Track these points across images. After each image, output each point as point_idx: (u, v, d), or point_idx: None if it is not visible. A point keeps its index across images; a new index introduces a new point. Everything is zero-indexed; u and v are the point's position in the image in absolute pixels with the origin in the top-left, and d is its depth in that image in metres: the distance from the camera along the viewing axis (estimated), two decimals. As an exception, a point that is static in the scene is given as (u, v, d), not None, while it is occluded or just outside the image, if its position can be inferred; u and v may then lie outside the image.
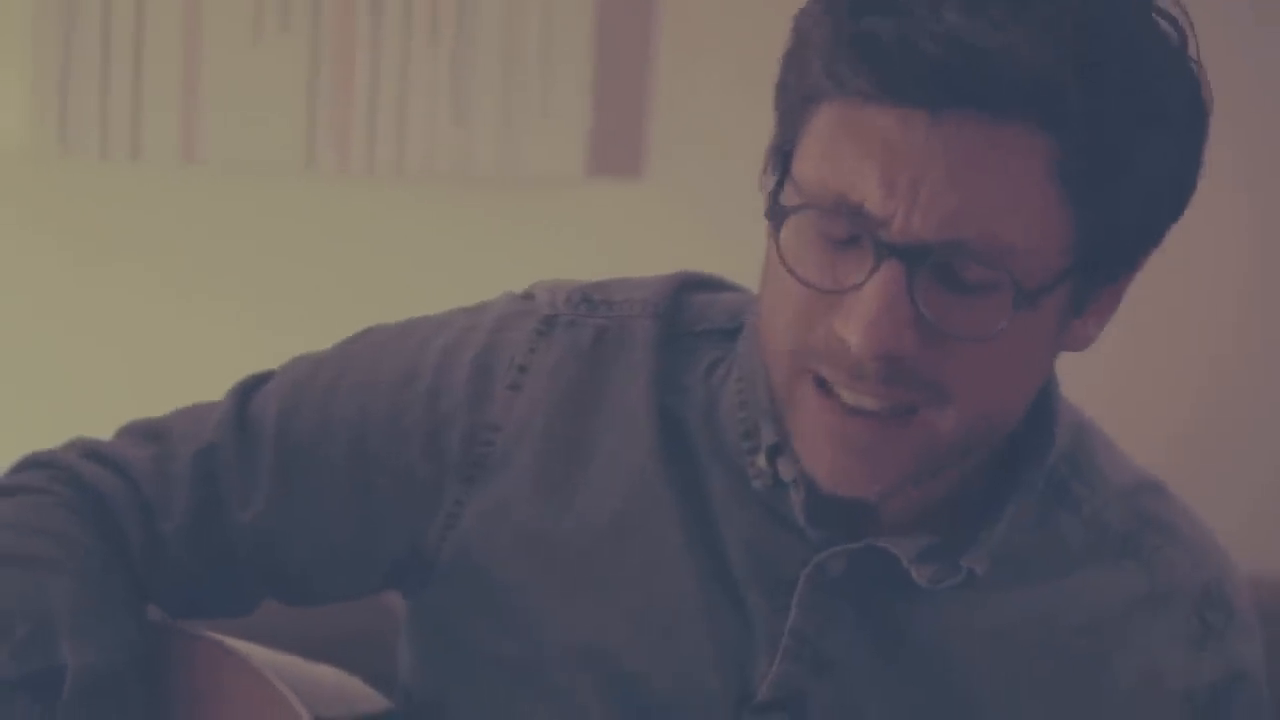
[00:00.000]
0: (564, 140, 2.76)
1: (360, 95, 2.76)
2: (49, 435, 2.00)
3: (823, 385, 1.73)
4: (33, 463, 1.94)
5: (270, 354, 2.01)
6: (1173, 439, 2.74)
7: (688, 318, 1.88)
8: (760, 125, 1.79)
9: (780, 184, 1.72)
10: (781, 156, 1.72)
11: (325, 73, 2.74)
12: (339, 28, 2.73)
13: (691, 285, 1.90)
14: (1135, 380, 2.52)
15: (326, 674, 1.99)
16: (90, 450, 1.93)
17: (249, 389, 1.92)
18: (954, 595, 1.82)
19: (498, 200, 2.76)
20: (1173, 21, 1.72)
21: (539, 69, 2.76)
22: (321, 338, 2.00)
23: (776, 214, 1.70)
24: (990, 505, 1.82)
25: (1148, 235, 1.75)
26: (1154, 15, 1.70)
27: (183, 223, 2.75)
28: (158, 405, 1.99)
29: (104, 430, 2.00)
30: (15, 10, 2.74)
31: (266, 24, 2.72)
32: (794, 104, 1.72)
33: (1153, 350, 2.63)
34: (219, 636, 1.91)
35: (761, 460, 1.80)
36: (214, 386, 1.99)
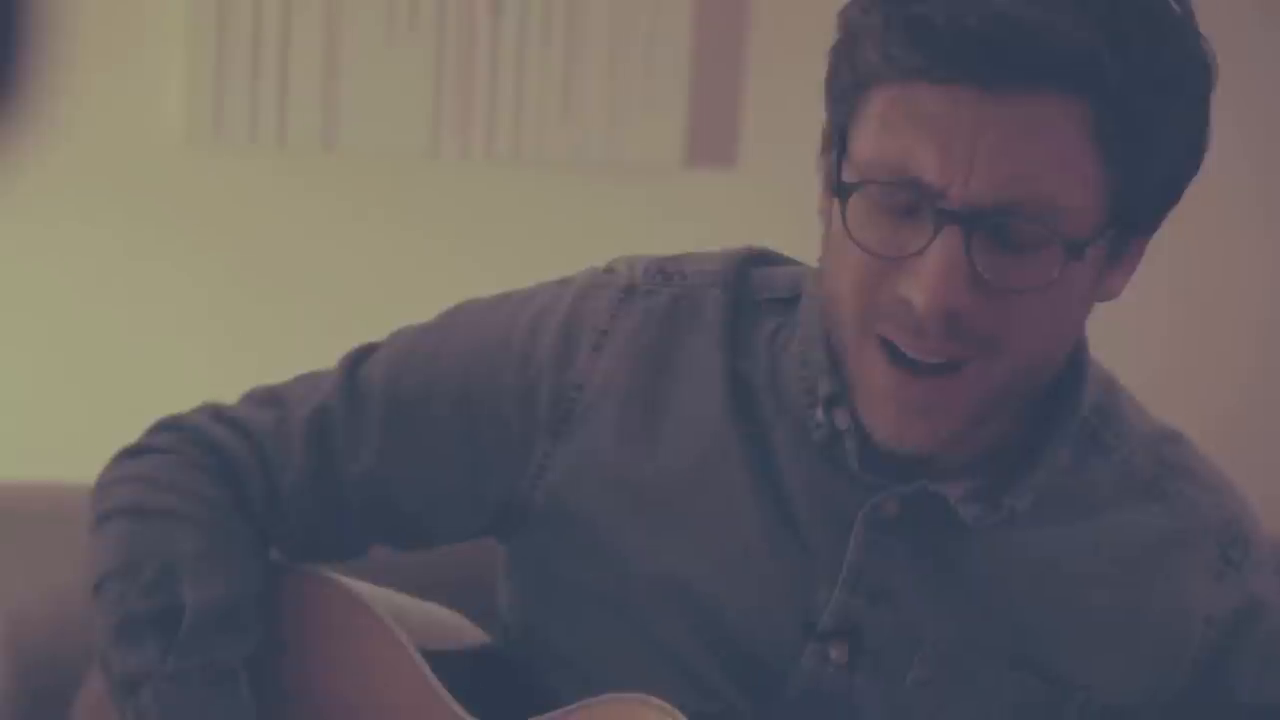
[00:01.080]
0: (663, 131, 2.75)
1: (481, 89, 2.75)
2: (206, 399, 2.05)
3: (887, 346, 1.76)
4: (164, 425, 2.00)
5: (397, 324, 2.05)
6: (1222, 416, 2.72)
7: (753, 287, 1.91)
8: (846, 118, 1.82)
9: (838, 163, 1.74)
10: (838, 138, 1.75)
11: (449, 69, 2.73)
12: (462, 28, 2.73)
13: (755, 259, 1.93)
14: (1186, 360, 2.52)
15: (431, 610, 2.02)
16: (217, 413, 1.99)
17: (358, 357, 1.97)
18: (998, 532, 1.85)
19: (602, 187, 2.75)
20: None
21: (642, 65, 2.75)
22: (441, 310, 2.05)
23: (841, 191, 1.73)
24: (1029, 451, 1.84)
25: (1172, 190, 1.77)
26: None
27: (322, 205, 2.77)
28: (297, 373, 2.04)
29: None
30: (172, 9, 2.75)
31: (397, 24, 2.72)
32: (846, 89, 1.74)
33: (1202, 331, 2.60)
34: (332, 574, 1.97)
35: (820, 413, 1.83)
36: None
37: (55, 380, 2.63)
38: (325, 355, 2.04)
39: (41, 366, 2.73)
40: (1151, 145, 1.76)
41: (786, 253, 1.95)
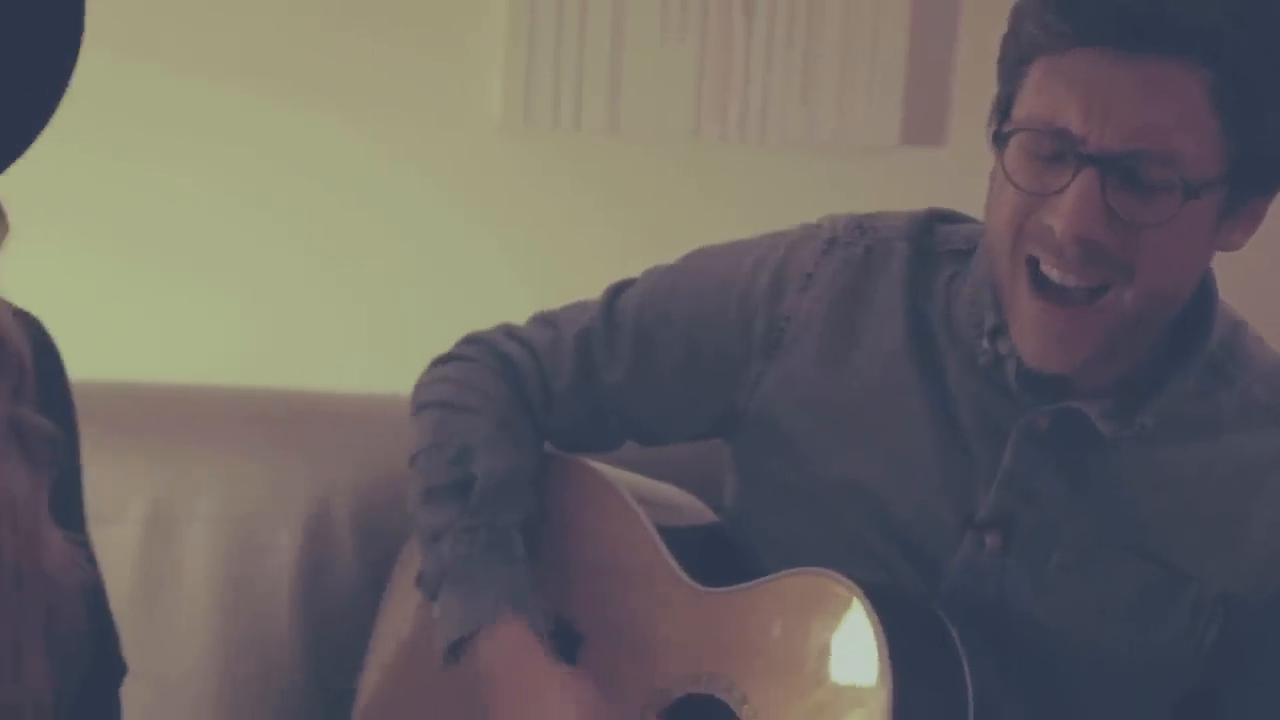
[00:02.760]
0: (882, 116, 2.73)
1: (735, 80, 2.75)
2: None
3: (1034, 269, 1.83)
4: (470, 339, 2.16)
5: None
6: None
7: (935, 240, 2.00)
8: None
9: (1001, 124, 1.84)
10: (1003, 107, 1.84)
11: (710, 63, 2.75)
12: (720, 29, 2.74)
13: (938, 217, 2.02)
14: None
15: (668, 491, 2.13)
16: (509, 331, 2.14)
17: (617, 289, 2.10)
18: (1131, 446, 1.91)
19: (829, 164, 2.73)
20: None
21: (865, 60, 2.73)
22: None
23: (1000, 139, 1.83)
24: (1160, 377, 1.90)
25: None
26: None
27: (610, 180, 2.80)
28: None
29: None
30: (494, 12, 2.75)
31: (670, 26, 2.75)
32: (1012, 65, 1.83)
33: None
34: (589, 461, 2.10)
35: (985, 342, 1.90)
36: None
37: (395, 319, 2.71)
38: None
39: (384, 307, 2.78)
40: (1267, 113, 1.80)
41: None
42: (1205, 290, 1.93)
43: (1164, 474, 1.92)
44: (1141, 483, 1.92)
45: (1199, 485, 1.92)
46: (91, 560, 1.82)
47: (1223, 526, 1.92)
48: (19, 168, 1.74)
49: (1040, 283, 1.83)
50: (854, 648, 1.86)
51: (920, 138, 2.75)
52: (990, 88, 1.91)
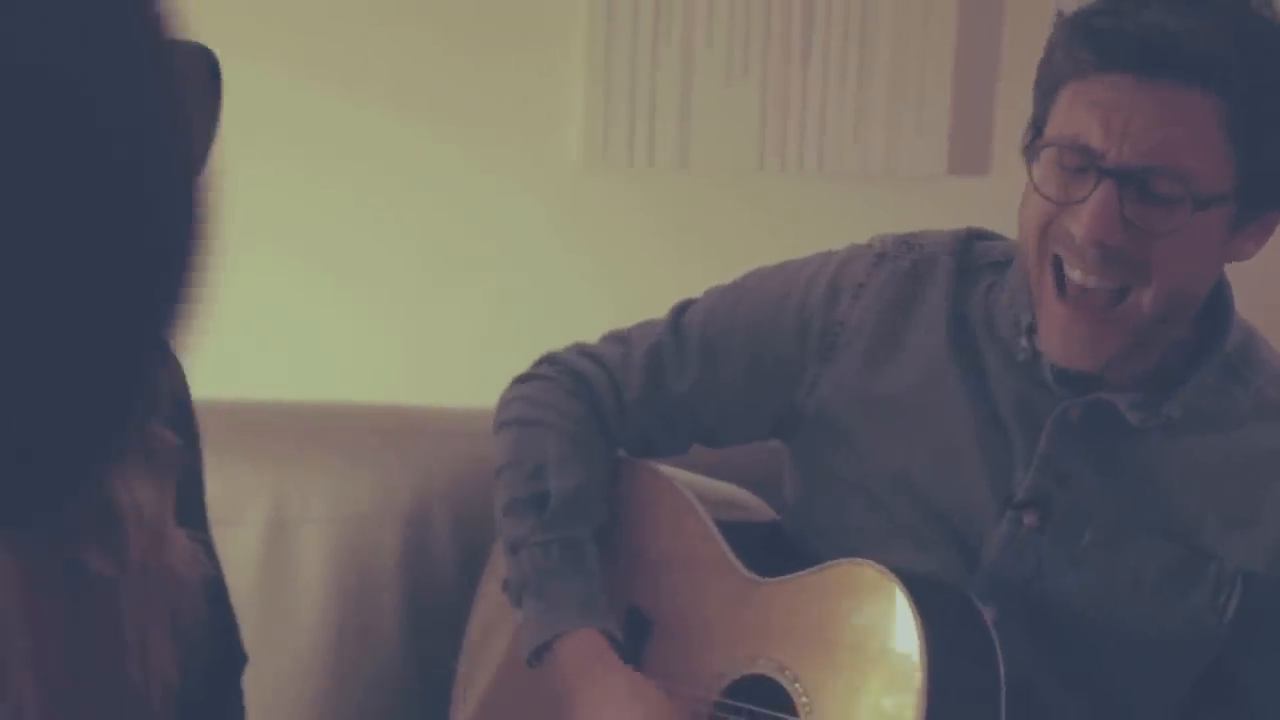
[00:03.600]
0: (930, 147, 2.75)
1: (794, 116, 2.77)
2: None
3: (1059, 271, 1.86)
4: (546, 359, 2.19)
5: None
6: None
7: (975, 255, 2.05)
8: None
9: (1034, 140, 1.89)
10: (1037, 125, 1.89)
11: (771, 101, 2.77)
12: (780, 71, 2.77)
13: (977, 235, 2.08)
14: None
15: (731, 490, 2.16)
16: (582, 349, 2.18)
17: (682, 307, 2.14)
18: (1156, 436, 1.95)
19: (881, 192, 2.77)
20: None
21: (913, 96, 2.75)
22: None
23: (1031, 153, 1.88)
24: (1182, 373, 1.95)
25: None
26: None
27: (681, 210, 2.82)
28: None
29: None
30: (574, 56, 2.78)
31: (734, 66, 2.77)
32: (1046, 91, 1.89)
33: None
34: (654, 464, 2.14)
35: (1024, 340, 1.95)
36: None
37: (485, 338, 2.72)
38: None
39: (476, 328, 2.80)
40: (1273, 136, 1.84)
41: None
42: (1222, 296, 1.96)
43: (1187, 461, 1.95)
44: (1166, 469, 1.95)
45: (1219, 472, 1.96)
46: (213, 557, 1.86)
47: (1240, 510, 1.96)
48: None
49: (1065, 285, 1.87)
50: (893, 631, 1.89)
51: (966, 168, 2.76)
52: (1036, 116, 1.92)
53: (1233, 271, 2.00)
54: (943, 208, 2.42)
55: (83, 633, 1.75)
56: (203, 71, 1.73)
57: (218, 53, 1.73)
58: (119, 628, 1.75)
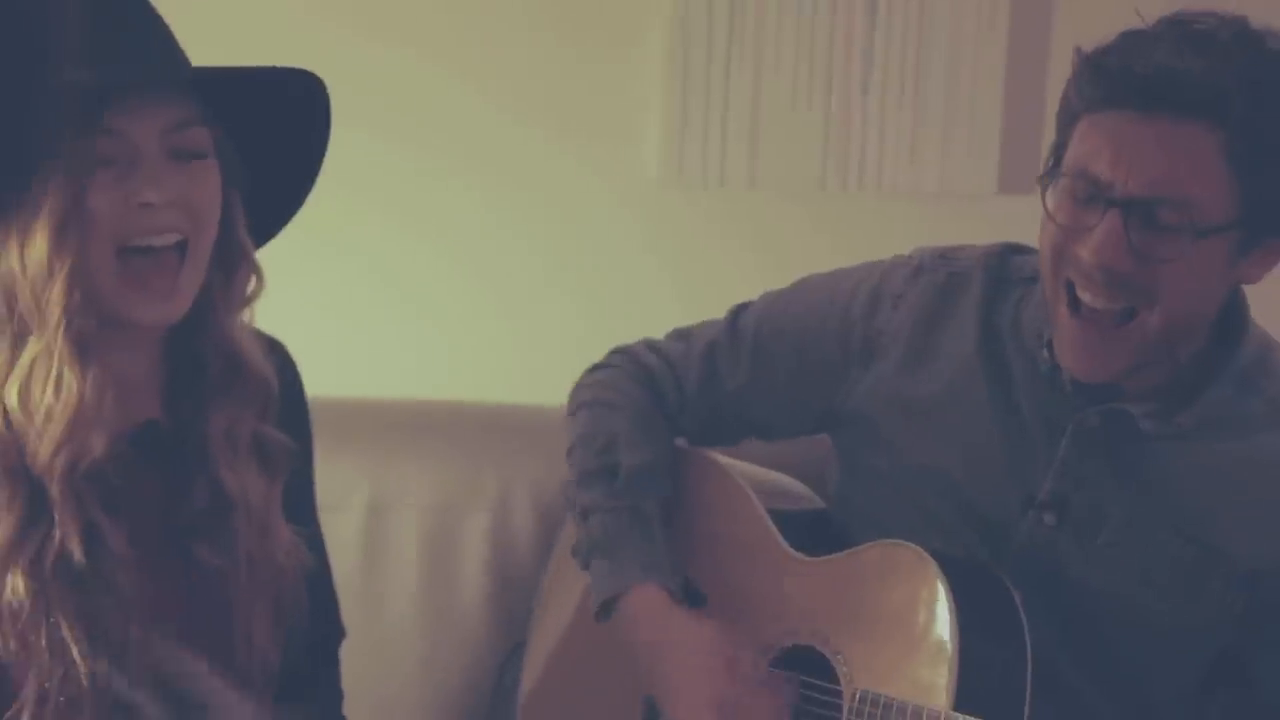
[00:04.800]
0: (982, 168, 2.76)
1: (854, 138, 2.78)
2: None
3: (1071, 293, 1.85)
4: (617, 351, 2.21)
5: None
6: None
7: (1008, 270, 2.03)
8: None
9: (1054, 167, 1.88)
10: (1057, 155, 1.89)
11: (834, 127, 2.79)
12: (842, 99, 2.79)
13: (1011, 250, 2.06)
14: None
15: (782, 480, 2.18)
16: (649, 344, 2.20)
17: (739, 309, 2.15)
18: (1171, 444, 1.93)
19: (936, 210, 2.77)
20: None
21: (966, 121, 2.75)
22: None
23: (1045, 182, 1.88)
24: (1199, 384, 1.93)
25: None
26: None
27: (750, 226, 2.83)
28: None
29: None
30: (648, 83, 2.82)
31: (799, 93, 2.79)
32: (1064, 123, 1.89)
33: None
34: (712, 453, 2.15)
35: (1045, 352, 1.94)
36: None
37: (568, 343, 2.59)
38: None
39: (557, 333, 2.84)
40: (1274, 168, 1.83)
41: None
42: (1237, 311, 1.95)
43: (1200, 466, 1.94)
44: (1180, 473, 1.94)
45: (1230, 477, 1.94)
46: (316, 547, 1.90)
47: (1251, 512, 1.94)
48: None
49: (1077, 305, 1.87)
50: (927, 607, 1.90)
51: (1015, 187, 2.76)
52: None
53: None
54: (992, 224, 2.41)
55: (194, 620, 1.78)
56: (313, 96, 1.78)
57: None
58: (226, 615, 1.79)
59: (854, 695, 1.93)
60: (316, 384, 2.01)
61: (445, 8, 2.85)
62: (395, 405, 2.64)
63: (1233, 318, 1.95)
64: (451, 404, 2.64)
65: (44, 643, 1.71)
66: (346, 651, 2.02)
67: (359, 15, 2.84)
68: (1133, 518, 1.93)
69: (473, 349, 2.87)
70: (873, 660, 1.93)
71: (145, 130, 1.72)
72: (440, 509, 2.51)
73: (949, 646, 1.86)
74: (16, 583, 1.71)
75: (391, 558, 2.51)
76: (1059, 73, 2.60)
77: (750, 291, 2.24)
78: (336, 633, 2.00)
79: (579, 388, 2.19)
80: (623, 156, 2.84)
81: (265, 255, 1.89)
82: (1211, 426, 1.93)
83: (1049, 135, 2.56)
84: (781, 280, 2.23)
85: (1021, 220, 2.27)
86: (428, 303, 2.89)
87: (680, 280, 2.82)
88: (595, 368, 2.20)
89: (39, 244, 1.70)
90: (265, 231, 1.84)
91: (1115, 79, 1.82)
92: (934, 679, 1.87)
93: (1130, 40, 1.83)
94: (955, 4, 2.76)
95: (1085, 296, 1.86)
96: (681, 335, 2.19)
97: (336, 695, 2.00)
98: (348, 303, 2.89)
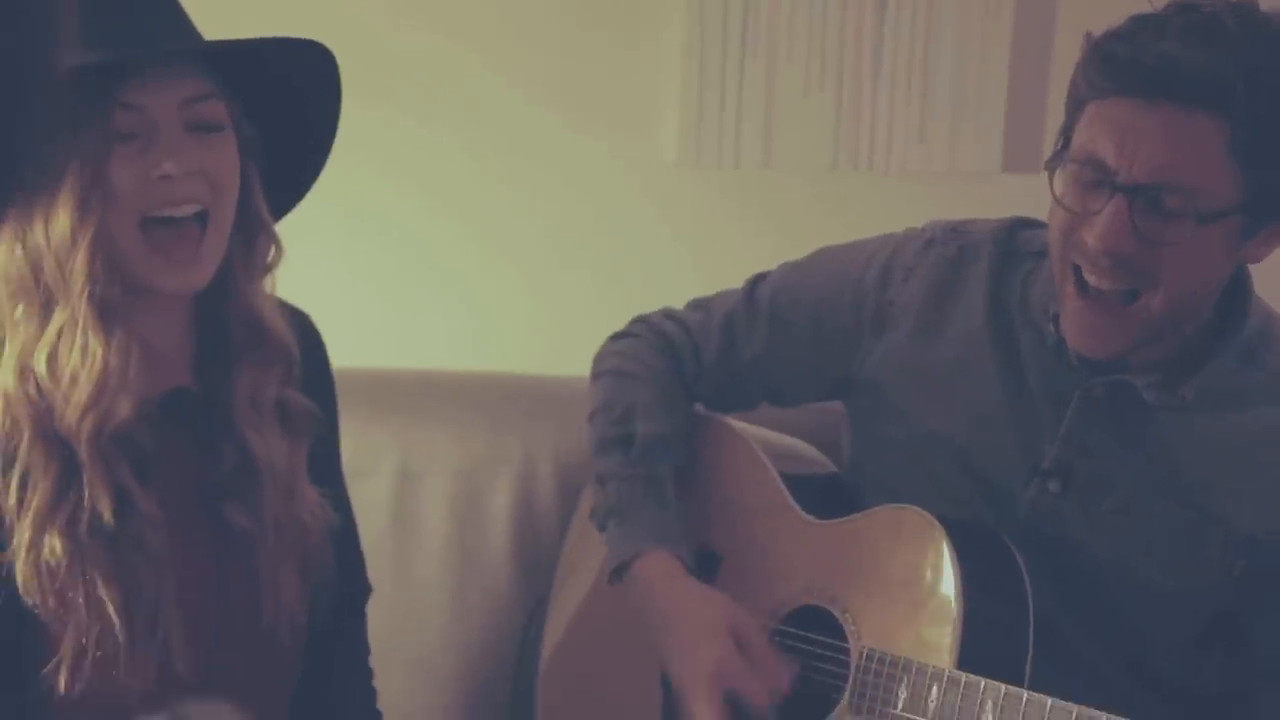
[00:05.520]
0: (987, 148, 2.76)
1: (865, 120, 2.78)
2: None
3: (1076, 273, 1.85)
4: (637, 320, 2.21)
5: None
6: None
7: (1017, 243, 2.02)
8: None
9: (1059, 154, 1.87)
10: (1065, 139, 1.87)
11: (845, 109, 2.78)
12: (854, 83, 2.78)
13: (1021, 224, 2.04)
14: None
15: (796, 445, 2.18)
16: (668, 313, 2.20)
17: (756, 280, 2.15)
18: (1173, 415, 1.92)
19: (943, 189, 2.75)
20: None
21: (972, 102, 2.76)
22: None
23: (1053, 167, 1.86)
24: (1201, 357, 1.92)
25: None
26: None
27: (764, 205, 2.82)
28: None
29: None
30: (668, 66, 2.82)
31: (812, 77, 2.78)
32: (1071, 109, 1.87)
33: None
34: (729, 419, 2.15)
35: (1051, 326, 1.94)
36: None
37: (589, 315, 2.57)
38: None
39: (579, 306, 2.84)
40: (1277, 155, 1.81)
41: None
42: (1240, 287, 1.94)
43: (1201, 436, 1.92)
44: (1181, 443, 1.93)
45: (1230, 446, 1.93)
46: (342, 508, 1.90)
47: (1249, 481, 1.93)
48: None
49: (1084, 287, 1.86)
50: (933, 569, 1.89)
51: (1019, 166, 2.76)
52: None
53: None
54: (998, 201, 2.40)
55: (223, 578, 1.79)
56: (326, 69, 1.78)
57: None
58: (255, 573, 1.80)
59: (861, 653, 1.93)
60: (352, 355, 2.02)
61: (474, -2, 2.85)
62: (425, 376, 2.64)
63: (1237, 292, 1.94)
64: (478, 375, 2.65)
65: (81, 600, 1.72)
66: (377, 610, 2.03)
67: (392, 2, 2.85)
68: (1135, 486, 1.93)
69: (499, 323, 2.88)
70: (880, 620, 1.92)
71: (163, 104, 1.72)
72: (467, 474, 2.51)
73: (954, 607, 1.86)
74: (54, 543, 1.72)
75: (420, 521, 2.51)
76: (1061, 58, 2.73)
77: (764, 267, 2.23)
78: (363, 589, 2.01)
79: (602, 355, 2.18)
80: (642, 139, 2.85)
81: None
82: (1213, 397, 1.91)
83: (1052, 117, 2.61)
84: (794, 256, 2.22)
85: (1024, 198, 2.28)
86: (457, 279, 2.90)
87: (697, 257, 2.82)
88: (617, 336, 2.20)
89: (62, 217, 1.71)
90: (283, 204, 1.85)
91: (1122, 68, 1.80)
92: (939, 638, 1.87)
93: (1138, 26, 1.81)
94: (961, -8, 2.74)
95: (1091, 279, 1.85)
96: (700, 305, 2.18)
97: (363, 647, 2.00)
98: (382, 279, 2.90)
